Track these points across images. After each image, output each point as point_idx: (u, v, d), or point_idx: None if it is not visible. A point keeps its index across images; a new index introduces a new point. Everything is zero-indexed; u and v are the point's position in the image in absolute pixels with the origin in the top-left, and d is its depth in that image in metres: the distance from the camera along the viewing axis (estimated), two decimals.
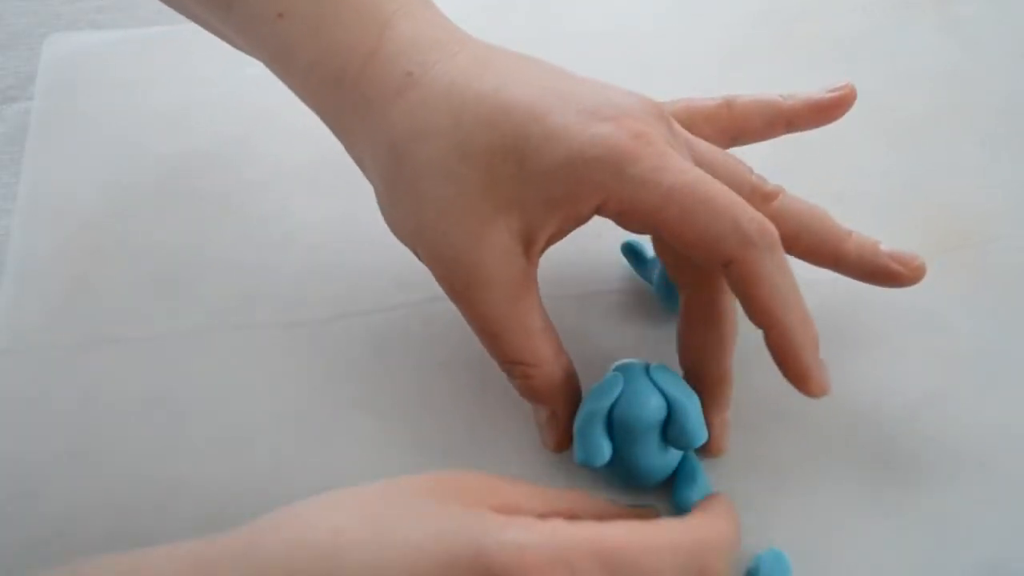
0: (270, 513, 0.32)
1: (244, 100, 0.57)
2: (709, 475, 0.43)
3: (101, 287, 0.50)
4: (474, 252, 0.37)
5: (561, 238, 0.40)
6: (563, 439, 0.42)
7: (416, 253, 0.41)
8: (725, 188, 0.37)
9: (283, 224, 0.53)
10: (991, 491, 0.44)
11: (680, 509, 0.42)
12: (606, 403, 0.41)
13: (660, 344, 0.48)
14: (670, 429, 0.42)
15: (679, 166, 0.37)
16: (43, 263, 0.51)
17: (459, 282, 0.39)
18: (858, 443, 0.45)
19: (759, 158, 0.56)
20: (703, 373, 0.42)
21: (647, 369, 0.42)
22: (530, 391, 0.41)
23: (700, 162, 0.40)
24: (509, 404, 0.45)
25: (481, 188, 0.37)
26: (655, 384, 0.42)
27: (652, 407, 0.41)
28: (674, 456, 0.43)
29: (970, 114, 0.57)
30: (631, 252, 0.50)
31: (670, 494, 0.43)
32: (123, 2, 0.63)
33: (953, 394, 0.46)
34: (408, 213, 0.39)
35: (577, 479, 0.44)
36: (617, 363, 0.43)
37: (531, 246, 0.39)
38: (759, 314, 0.38)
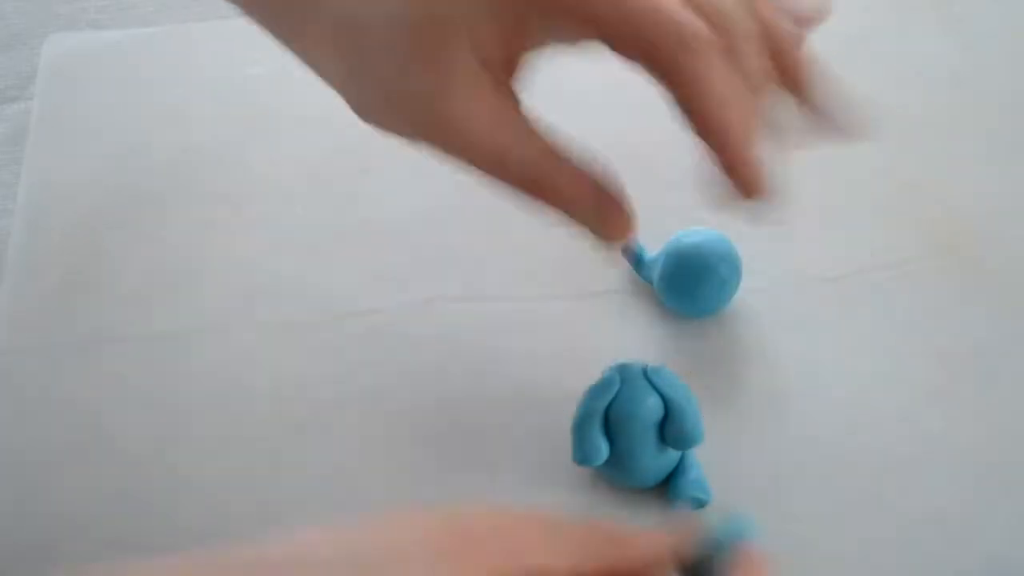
0: (302, 527, 0.31)
1: (244, 100, 0.57)
2: (708, 475, 0.43)
3: (101, 286, 0.50)
4: (446, 99, 0.35)
5: (525, 43, 0.36)
6: (626, 219, 0.38)
7: (393, 127, 0.37)
8: None
9: (283, 224, 0.53)
10: (991, 491, 0.44)
11: (675, 502, 0.43)
12: (603, 403, 0.41)
13: (659, 344, 0.48)
14: (667, 429, 0.42)
15: None
16: (43, 263, 0.51)
17: (441, 120, 0.35)
18: (858, 443, 0.45)
19: None
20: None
21: (645, 369, 0.42)
22: (564, 201, 0.36)
23: None
24: (509, 404, 0.45)
25: (426, 19, 0.34)
26: (652, 384, 0.42)
27: (649, 407, 0.41)
28: (672, 456, 0.43)
29: (970, 114, 0.57)
30: (631, 252, 0.50)
31: (669, 494, 0.43)
32: (123, 2, 0.63)
33: (953, 394, 0.46)
34: (374, 80, 0.36)
35: (576, 479, 0.44)
36: (615, 363, 0.43)
37: (490, 50, 0.35)
38: (695, 119, 0.34)
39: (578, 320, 0.48)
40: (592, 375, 0.43)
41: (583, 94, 0.54)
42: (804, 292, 0.50)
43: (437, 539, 0.29)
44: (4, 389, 0.47)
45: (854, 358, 0.48)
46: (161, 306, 0.50)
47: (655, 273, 0.48)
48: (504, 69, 0.35)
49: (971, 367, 0.47)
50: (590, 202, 0.36)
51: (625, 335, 0.48)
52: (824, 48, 0.61)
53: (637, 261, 0.49)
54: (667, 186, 0.52)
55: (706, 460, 0.44)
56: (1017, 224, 0.52)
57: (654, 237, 0.49)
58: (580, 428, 0.42)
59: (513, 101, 0.36)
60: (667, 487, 0.43)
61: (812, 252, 0.51)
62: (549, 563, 0.30)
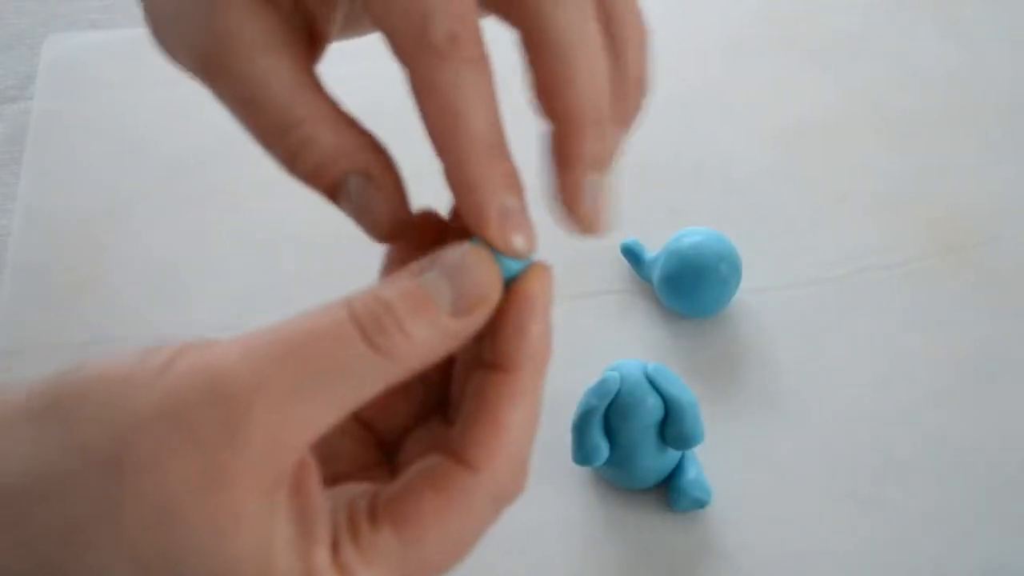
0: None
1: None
2: (708, 475, 0.43)
3: (101, 287, 0.50)
4: (219, 18, 0.30)
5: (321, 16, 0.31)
6: (398, 209, 0.30)
7: (173, 50, 0.33)
8: None
9: (283, 224, 0.53)
10: (991, 491, 0.44)
11: (675, 506, 0.43)
12: (603, 403, 0.41)
13: (659, 344, 0.48)
14: (667, 429, 0.42)
15: None
16: (43, 263, 0.51)
17: (213, 60, 0.31)
18: (858, 443, 0.45)
19: (758, 157, 0.56)
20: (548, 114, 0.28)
21: (645, 369, 0.42)
22: (318, 160, 0.30)
23: None
24: None
25: None
26: (652, 384, 0.42)
27: (649, 407, 0.41)
28: (672, 456, 0.43)
29: (970, 114, 0.57)
30: (631, 252, 0.50)
31: (669, 494, 0.43)
32: (123, 2, 0.63)
33: (953, 394, 0.46)
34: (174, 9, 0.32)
35: (576, 479, 0.44)
36: (615, 363, 0.43)
37: (275, 6, 0.30)
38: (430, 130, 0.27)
39: (578, 320, 0.48)
40: (592, 375, 0.43)
41: None
42: (804, 292, 0.50)
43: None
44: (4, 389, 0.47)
45: (854, 358, 0.48)
46: (160, 307, 0.50)
47: (655, 273, 0.48)
48: (299, 35, 0.30)
49: (971, 367, 0.47)
50: (358, 186, 0.30)
51: (625, 335, 0.48)
52: (825, 48, 0.61)
53: (637, 261, 0.49)
54: (667, 186, 0.53)
55: (706, 460, 0.44)
56: (1017, 224, 0.52)
57: (654, 237, 0.49)
58: (580, 428, 0.42)
59: (311, 69, 0.30)
60: (667, 487, 0.43)
61: (812, 252, 0.51)
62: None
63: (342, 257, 0.51)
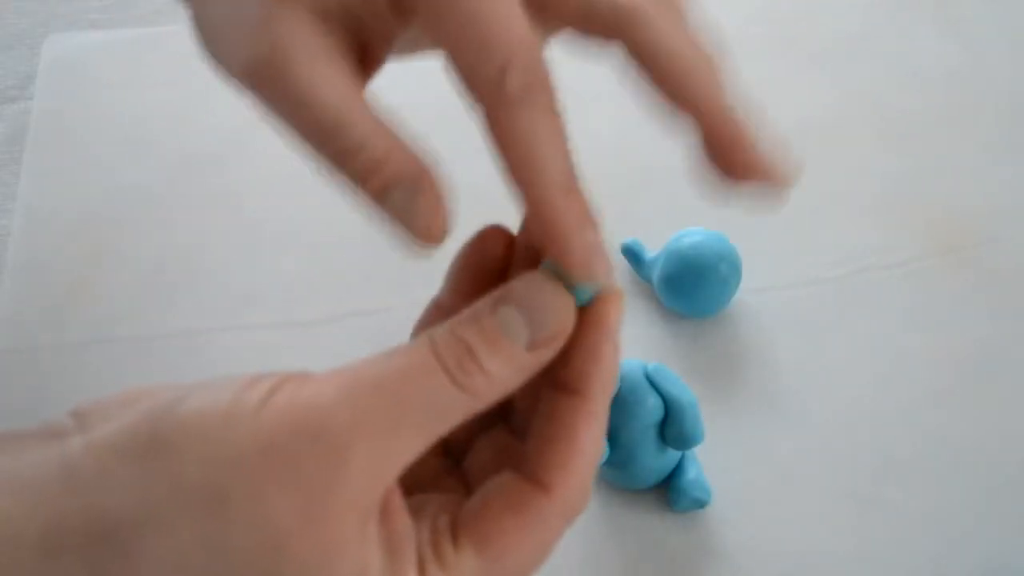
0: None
1: (244, 100, 0.57)
2: (708, 475, 0.43)
3: (101, 287, 0.50)
4: (275, 28, 0.30)
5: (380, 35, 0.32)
6: (441, 217, 0.30)
7: (223, 60, 0.33)
8: (518, 15, 0.29)
9: (283, 224, 0.53)
10: (991, 491, 0.44)
11: (675, 506, 0.43)
12: None
13: (660, 344, 0.48)
14: (668, 429, 0.42)
15: None
16: (43, 263, 0.51)
17: (268, 67, 0.31)
18: (858, 443, 0.45)
19: None
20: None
21: (645, 369, 0.42)
22: (371, 160, 0.30)
23: None
24: None
25: None
26: (652, 384, 0.42)
27: (649, 407, 0.41)
28: (672, 456, 0.43)
29: (970, 114, 0.57)
30: (631, 252, 0.50)
31: (669, 494, 0.43)
32: (123, 2, 0.63)
33: (953, 394, 0.46)
34: (222, 18, 0.32)
35: None
36: None
37: (330, 22, 0.31)
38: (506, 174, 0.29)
39: None
40: None
41: (583, 94, 0.54)
42: (804, 292, 0.50)
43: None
44: (4, 389, 0.47)
45: (854, 358, 0.48)
46: (161, 306, 0.50)
47: (655, 273, 0.48)
48: (350, 50, 0.31)
49: (971, 367, 0.47)
50: (407, 191, 0.30)
51: (625, 335, 0.48)
52: (825, 48, 0.61)
53: (637, 261, 0.49)
54: (667, 186, 0.53)
55: (706, 460, 0.44)
56: (1017, 224, 0.52)
57: (654, 237, 0.49)
58: None
59: (358, 81, 0.31)
60: (667, 487, 0.43)
61: (812, 252, 0.51)
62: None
63: (342, 257, 0.52)
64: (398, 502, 0.27)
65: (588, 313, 0.29)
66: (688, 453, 0.43)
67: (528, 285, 0.28)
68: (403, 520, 0.27)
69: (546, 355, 0.28)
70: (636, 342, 0.48)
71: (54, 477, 0.25)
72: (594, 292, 0.29)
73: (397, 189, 0.30)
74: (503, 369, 0.27)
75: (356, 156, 0.30)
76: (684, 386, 0.42)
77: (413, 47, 0.34)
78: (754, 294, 0.49)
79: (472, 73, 0.28)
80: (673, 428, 0.42)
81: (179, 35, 0.60)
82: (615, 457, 0.42)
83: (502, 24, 0.28)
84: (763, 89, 0.58)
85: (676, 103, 0.30)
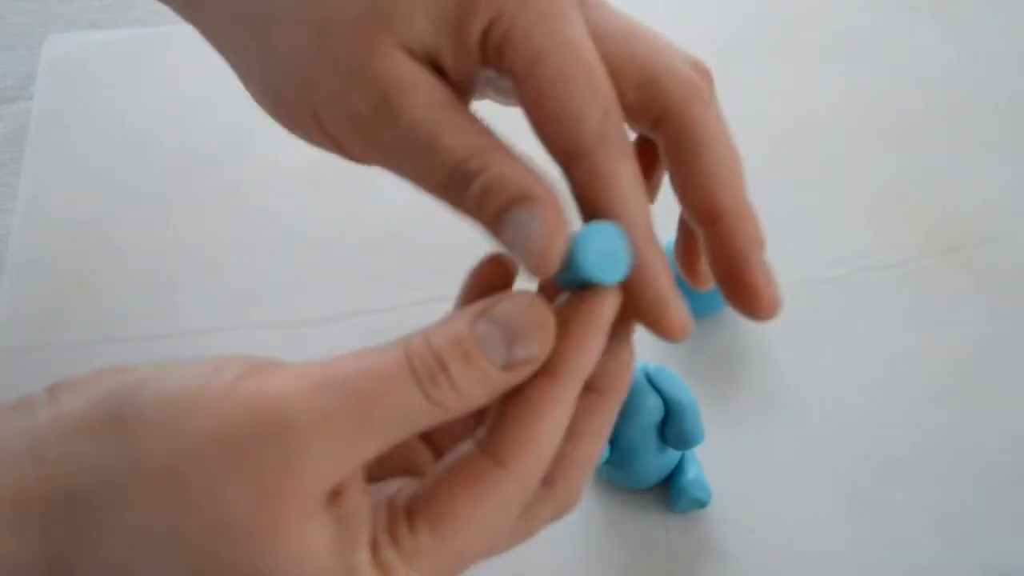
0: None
1: (244, 100, 0.57)
2: (708, 475, 0.43)
3: (101, 287, 0.50)
4: (377, 65, 0.30)
5: (464, 75, 0.31)
6: (560, 243, 0.28)
7: (309, 122, 0.33)
8: (604, 75, 0.30)
9: (283, 224, 0.53)
10: (991, 491, 0.44)
11: (675, 506, 0.43)
12: None
13: (660, 344, 0.48)
14: (668, 430, 0.42)
15: (581, 29, 0.30)
16: (43, 263, 0.51)
17: (370, 100, 0.30)
18: (858, 443, 0.45)
19: (758, 157, 0.56)
20: (696, 212, 0.32)
21: (645, 369, 0.42)
22: (497, 188, 0.29)
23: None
24: None
25: (358, 9, 0.30)
26: (653, 384, 0.42)
27: (649, 407, 0.41)
28: (672, 456, 0.43)
29: (970, 114, 0.57)
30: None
31: (669, 494, 0.43)
32: (123, 2, 0.63)
33: (953, 394, 0.46)
34: (290, 64, 0.32)
35: None
36: None
37: (439, 67, 0.31)
38: (693, 197, 0.31)
39: None
40: None
41: None
42: (804, 292, 0.50)
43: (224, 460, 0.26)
44: (4, 389, 0.47)
45: (854, 358, 0.48)
46: (161, 306, 0.50)
47: None
48: (450, 74, 0.31)
49: (971, 367, 0.47)
50: (528, 211, 0.29)
51: None
52: (825, 48, 0.61)
53: None
54: (667, 186, 0.52)
55: (706, 460, 0.44)
56: (1017, 224, 0.52)
57: None
58: None
59: (459, 101, 0.31)
60: (667, 487, 0.43)
61: (812, 252, 0.51)
62: (340, 462, 0.27)
63: (342, 257, 0.52)
64: (357, 487, 0.27)
65: (578, 301, 0.28)
66: (688, 453, 0.43)
67: (514, 304, 0.28)
68: (359, 503, 0.27)
69: (519, 377, 0.27)
70: (636, 342, 0.48)
71: (22, 449, 0.26)
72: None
73: (512, 214, 0.29)
74: (475, 387, 0.27)
75: (473, 180, 0.29)
76: (684, 386, 0.42)
77: (484, 95, 0.34)
78: None
79: (573, 124, 0.29)
80: (673, 428, 0.42)
81: (179, 35, 0.60)
82: (615, 457, 0.42)
83: (601, 77, 0.29)
84: (763, 89, 0.59)
85: (698, 198, 0.31)
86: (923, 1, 0.62)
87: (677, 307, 0.31)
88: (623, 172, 0.29)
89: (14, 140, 0.57)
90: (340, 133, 0.31)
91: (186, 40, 0.59)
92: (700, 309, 0.48)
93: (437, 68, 0.31)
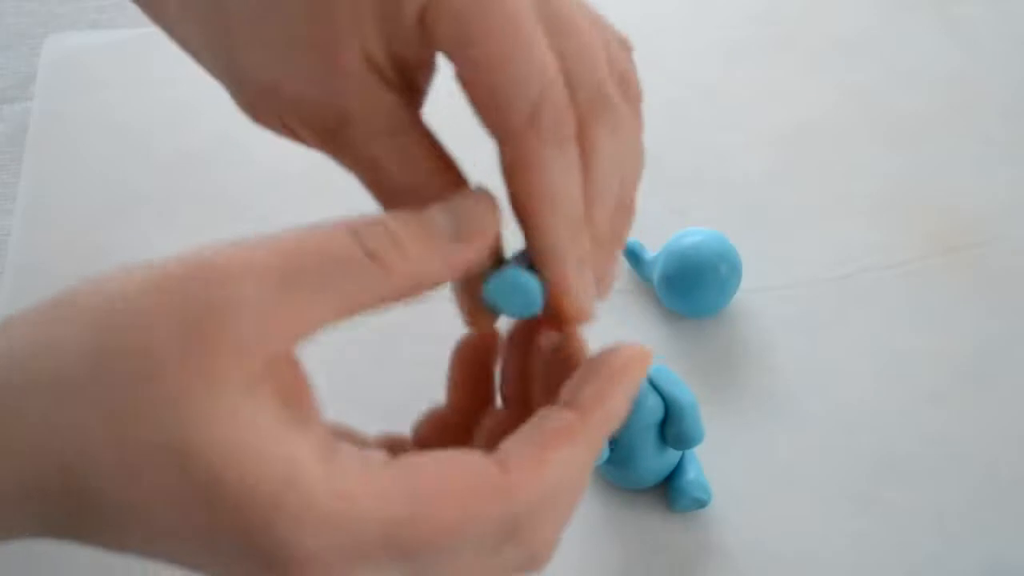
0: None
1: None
2: (708, 475, 0.43)
3: None
4: (337, 86, 0.31)
5: (408, 68, 0.31)
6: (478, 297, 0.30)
7: (278, 125, 0.34)
8: (546, 50, 0.29)
9: (283, 224, 0.52)
10: (991, 491, 0.44)
11: (675, 506, 0.43)
12: None
13: (660, 344, 0.48)
14: (668, 429, 0.42)
15: (522, 3, 0.29)
16: (43, 263, 0.51)
17: (330, 118, 0.31)
18: (858, 443, 0.45)
19: (759, 157, 0.56)
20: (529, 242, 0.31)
21: None
22: (433, 226, 0.29)
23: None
24: None
25: (307, 16, 0.30)
26: (653, 384, 0.42)
27: (648, 407, 0.41)
28: (672, 456, 0.43)
29: (970, 114, 0.57)
30: (631, 252, 0.50)
31: (669, 494, 0.43)
32: (123, 2, 0.63)
33: (953, 394, 0.46)
34: (250, 73, 0.33)
35: None
36: None
37: (382, 71, 0.31)
38: (520, 209, 0.30)
39: None
40: None
41: None
42: (804, 292, 0.50)
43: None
44: None
45: (854, 358, 0.48)
46: None
47: (655, 273, 0.48)
48: (390, 73, 0.31)
49: (971, 367, 0.47)
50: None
51: (625, 335, 0.48)
52: (825, 48, 0.61)
53: (637, 261, 0.49)
54: (667, 186, 0.53)
55: (706, 460, 0.44)
56: (1017, 224, 0.52)
57: (654, 237, 0.49)
58: None
59: (412, 117, 0.31)
60: (667, 487, 0.43)
61: (812, 252, 0.51)
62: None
63: None
64: (308, 391, 0.27)
65: (612, 354, 0.31)
66: (688, 453, 0.43)
67: (458, 194, 0.28)
68: (308, 395, 0.27)
69: (468, 252, 0.28)
70: (636, 342, 0.48)
71: None
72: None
73: (442, 211, 0.29)
74: (421, 249, 0.27)
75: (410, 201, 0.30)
76: (684, 386, 0.42)
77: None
78: (754, 294, 0.49)
79: (503, 106, 0.28)
80: (673, 428, 0.42)
81: None
82: (615, 457, 0.42)
83: (536, 62, 0.28)
84: (763, 90, 0.59)
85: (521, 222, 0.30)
86: (923, 1, 0.62)
87: (584, 313, 0.32)
88: (551, 158, 0.29)
89: (14, 140, 0.57)
90: (306, 140, 0.33)
91: None
92: (700, 309, 0.48)
93: (395, 64, 0.31)
